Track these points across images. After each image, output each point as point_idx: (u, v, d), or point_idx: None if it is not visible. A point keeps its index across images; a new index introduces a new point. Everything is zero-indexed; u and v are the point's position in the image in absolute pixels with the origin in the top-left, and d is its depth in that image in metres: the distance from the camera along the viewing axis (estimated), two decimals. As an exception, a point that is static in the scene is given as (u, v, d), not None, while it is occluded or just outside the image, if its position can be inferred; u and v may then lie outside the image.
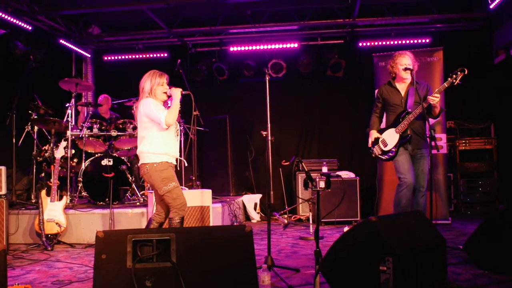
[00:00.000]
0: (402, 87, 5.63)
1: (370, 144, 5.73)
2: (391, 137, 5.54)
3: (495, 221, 4.49)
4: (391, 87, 5.70)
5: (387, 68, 5.81)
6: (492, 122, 8.51)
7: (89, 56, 10.27)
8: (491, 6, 7.80)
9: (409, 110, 5.46)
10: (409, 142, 5.45)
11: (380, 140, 5.64)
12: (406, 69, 5.43)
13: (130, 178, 7.08)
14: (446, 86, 5.22)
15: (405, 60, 5.52)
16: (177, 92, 4.66)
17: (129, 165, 7.15)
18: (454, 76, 5.16)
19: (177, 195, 4.56)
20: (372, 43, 9.07)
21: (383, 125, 5.81)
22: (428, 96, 5.28)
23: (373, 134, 5.71)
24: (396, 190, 5.49)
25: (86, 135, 7.11)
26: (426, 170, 5.46)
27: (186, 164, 5.25)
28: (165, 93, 4.71)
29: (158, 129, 4.60)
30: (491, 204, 8.17)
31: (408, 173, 5.37)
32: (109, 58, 10.09)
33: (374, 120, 5.83)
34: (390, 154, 5.52)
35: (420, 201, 5.42)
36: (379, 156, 5.66)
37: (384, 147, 5.57)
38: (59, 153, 6.37)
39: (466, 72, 5.11)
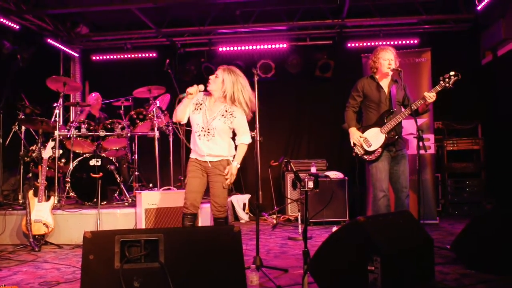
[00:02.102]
0: (384, 83, 5.41)
1: (353, 144, 5.44)
2: (375, 137, 5.29)
3: (482, 221, 4.52)
4: (374, 82, 5.43)
5: (368, 63, 5.56)
6: (479, 123, 8.55)
7: (77, 55, 10.19)
8: (479, 8, 7.86)
9: (394, 109, 5.30)
10: (394, 144, 5.29)
11: (362, 139, 5.37)
12: (394, 69, 5.26)
13: (119, 178, 7.06)
14: (439, 89, 5.09)
15: (388, 55, 5.31)
16: (190, 90, 4.70)
17: (117, 165, 7.12)
18: (447, 79, 5.06)
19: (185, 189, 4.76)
20: (361, 44, 9.11)
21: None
22: (425, 93, 5.10)
23: (356, 133, 5.41)
24: (372, 202, 5.34)
25: (74, 135, 7.07)
26: (407, 171, 5.33)
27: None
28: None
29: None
30: (479, 204, 8.22)
31: (384, 180, 5.24)
32: (97, 58, 10.04)
33: (351, 116, 5.52)
34: (375, 154, 5.26)
35: (405, 202, 5.25)
36: (362, 156, 5.39)
37: (368, 147, 5.31)
38: (46, 153, 6.32)
39: (459, 77, 5.04)
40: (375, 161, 5.31)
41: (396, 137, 5.28)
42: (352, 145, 5.48)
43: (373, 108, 5.42)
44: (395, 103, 5.34)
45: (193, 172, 4.66)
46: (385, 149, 5.28)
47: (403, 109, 5.34)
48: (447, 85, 5.08)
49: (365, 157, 5.37)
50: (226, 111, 4.60)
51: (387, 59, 5.31)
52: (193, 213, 4.69)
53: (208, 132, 4.58)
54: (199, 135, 4.58)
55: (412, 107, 5.13)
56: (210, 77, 4.75)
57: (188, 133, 5.65)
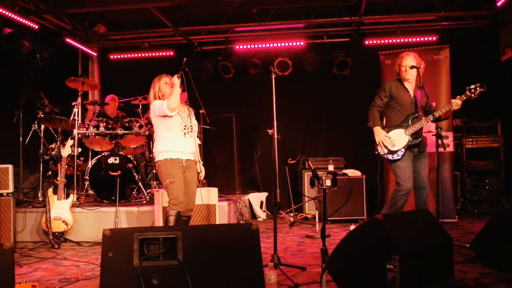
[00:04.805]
0: (409, 87, 5.58)
1: (378, 142, 5.57)
2: (400, 138, 5.44)
3: (502, 219, 4.46)
4: (401, 85, 5.61)
5: (394, 68, 5.76)
6: (499, 120, 8.45)
7: (95, 54, 10.30)
8: (498, 4, 7.76)
9: (420, 113, 5.49)
10: (418, 146, 5.48)
11: (387, 139, 5.50)
12: (413, 67, 5.37)
13: (137, 176, 7.10)
14: (465, 98, 5.26)
15: (405, 62, 5.51)
16: (174, 79, 4.86)
17: (135, 163, 7.17)
18: (472, 90, 5.24)
19: (172, 190, 4.71)
20: (378, 41, 9.04)
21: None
22: (452, 100, 5.31)
23: (381, 132, 5.55)
24: (393, 193, 5.49)
25: (93, 134, 7.13)
26: (426, 169, 5.54)
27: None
28: (167, 83, 4.91)
29: (164, 127, 4.79)
30: (498, 202, 8.13)
31: (408, 180, 5.38)
32: (115, 56, 10.12)
33: (376, 115, 5.67)
34: (398, 154, 5.41)
35: (426, 200, 5.45)
36: (384, 155, 5.52)
37: (392, 147, 5.46)
38: (65, 151, 6.38)
39: (485, 89, 5.22)
40: (397, 160, 5.44)
41: (420, 139, 5.46)
42: (377, 143, 5.61)
43: (397, 109, 5.60)
44: (419, 108, 5.52)
45: (178, 172, 4.76)
46: (408, 150, 5.45)
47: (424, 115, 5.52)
48: (472, 95, 5.28)
49: (388, 156, 5.52)
50: (189, 112, 4.98)
51: (404, 66, 5.51)
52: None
53: (191, 130, 4.84)
54: (184, 133, 4.78)
55: (435, 115, 5.30)
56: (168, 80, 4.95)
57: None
